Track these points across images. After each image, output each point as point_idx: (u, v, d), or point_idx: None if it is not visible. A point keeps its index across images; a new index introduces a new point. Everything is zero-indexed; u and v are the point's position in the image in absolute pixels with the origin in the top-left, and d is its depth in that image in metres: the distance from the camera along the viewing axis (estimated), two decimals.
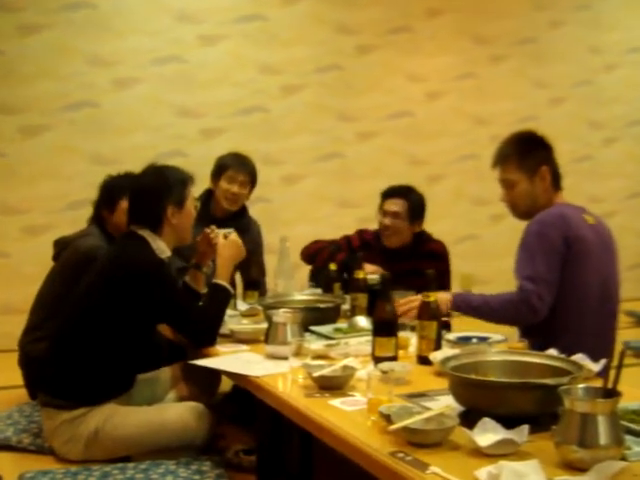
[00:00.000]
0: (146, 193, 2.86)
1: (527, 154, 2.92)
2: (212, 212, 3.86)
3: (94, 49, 5.51)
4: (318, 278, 3.74)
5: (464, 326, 3.03)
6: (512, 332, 2.85)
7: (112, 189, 3.41)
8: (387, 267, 3.40)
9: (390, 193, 3.78)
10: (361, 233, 3.93)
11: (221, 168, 3.86)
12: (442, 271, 3.63)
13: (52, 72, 5.41)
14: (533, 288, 2.69)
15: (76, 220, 3.46)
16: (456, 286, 6.42)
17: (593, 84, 6.98)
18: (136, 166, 3.14)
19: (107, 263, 2.80)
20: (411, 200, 3.74)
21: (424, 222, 3.82)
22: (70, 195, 5.27)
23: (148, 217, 2.83)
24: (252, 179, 3.89)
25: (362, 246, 3.83)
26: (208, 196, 3.89)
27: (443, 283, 3.54)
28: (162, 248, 2.81)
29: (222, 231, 3.04)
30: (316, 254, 3.83)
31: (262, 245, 4.03)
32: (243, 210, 3.97)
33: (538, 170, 2.88)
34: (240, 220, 3.86)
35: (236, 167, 3.83)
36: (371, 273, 3.40)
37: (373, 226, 3.86)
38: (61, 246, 3.42)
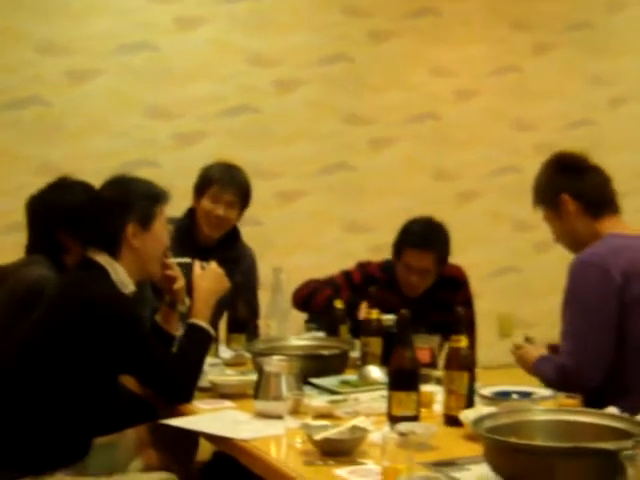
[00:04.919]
0: (102, 206, 2.91)
1: (544, 186, 3.10)
2: (195, 238, 3.86)
3: (42, 34, 5.56)
4: (319, 320, 3.76)
5: (499, 378, 3.04)
6: None
7: (77, 208, 3.38)
8: (404, 305, 3.44)
9: (414, 242, 3.75)
10: (363, 267, 3.96)
11: (205, 183, 3.87)
12: (464, 302, 3.69)
13: None
14: (574, 366, 2.84)
15: (19, 244, 3.46)
16: (491, 329, 6.51)
17: None
18: (94, 178, 3.17)
19: (56, 299, 2.82)
20: (438, 248, 3.76)
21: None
22: (11, 214, 5.28)
23: (103, 236, 2.86)
24: (243, 198, 3.89)
25: (365, 282, 3.85)
26: (191, 217, 3.90)
27: (470, 318, 3.60)
28: (124, 281, 2.83)
29: (181, 260, 3.09)
30: (309, 298, 3.86)
31: (256, 280, 4.04)
32: (235, 235, 3.98)
33: (558, 201, 3.03)
34: (231, 250, 3.87)
35: (222, 183, 3.84)
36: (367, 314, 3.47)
37: (387, 254, 3.90)
38: (0, 278, 3.42)
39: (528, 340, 3.18)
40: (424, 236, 3.76)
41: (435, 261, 3.75)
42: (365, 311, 3.58)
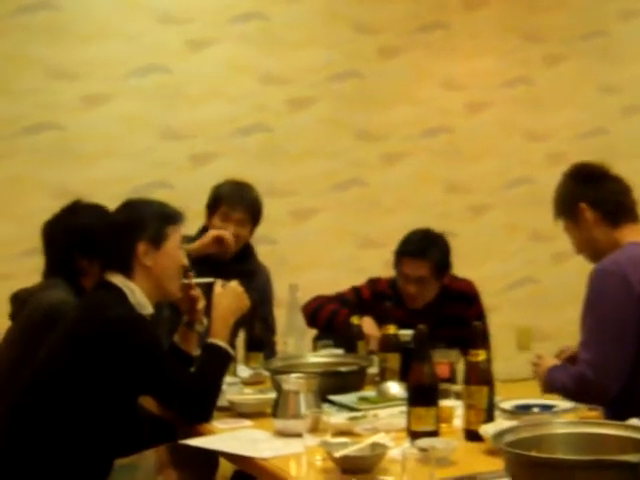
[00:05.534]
0: (114, 228, 2.94)
1: (563, 197, 3.12)
2: (209, 254, 3.88)
3: (54, 59, 5.59)
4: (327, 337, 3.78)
5: (519, 391, 3.03)
6: None
7: (90, 230, 3.41)
8: (411, 319, 3.44)
9: (407, 252, 3.81)
10: (373, 283, 3.99)
11: (215, 202, 3.91)
12: (477, 316, 3.70)
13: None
14: (592, 376, 2.83)
15: (37, 269, 3.49)
16: (509, 342, 6.49)
17: None
18: (110, 201, 3.18)
19: (74, 321, 2.84)
20: (434, 257, 3.78)
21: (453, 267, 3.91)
22: (28, 239, 5.29)
23: (117, 257, 2.88)
24: (253, 216, 3.92)
25: (374, 299, 3.87)
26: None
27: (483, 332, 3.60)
28: (142, 302, 2.85)
29: (203, 280, 3.10)
30: (315, 313, 3.87)
31: (271, 296, 4.06)
32: (249, 251, 3.99)
33: (576, 210, 3.03)
34: (245, 264, 3.89)
35: (231, 202, 3.87)
36: (369, 335, 3.53)
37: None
38: (21, 301, 3.44)
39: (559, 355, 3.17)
40: (420, 245, 3.79)
41: (432, 270, 3.76)
42: (367, 326, 3.60)
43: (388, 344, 3.28)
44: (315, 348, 3.73)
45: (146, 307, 2.86)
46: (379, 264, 5.31)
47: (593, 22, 6.78)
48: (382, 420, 2.68)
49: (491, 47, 6.58)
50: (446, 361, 3.11)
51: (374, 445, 2.32)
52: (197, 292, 3.10)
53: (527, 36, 6.64)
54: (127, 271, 2.86)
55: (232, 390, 3.16)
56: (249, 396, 3.10)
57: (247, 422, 2.86)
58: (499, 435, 2.05)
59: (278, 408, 2.69)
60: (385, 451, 2.29)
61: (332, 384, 3.02)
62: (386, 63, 6.32)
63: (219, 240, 3.75)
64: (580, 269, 3.30)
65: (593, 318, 2.90)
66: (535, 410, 2.67)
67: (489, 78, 6.58)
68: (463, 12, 6.49)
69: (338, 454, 2.26)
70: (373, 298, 3.89)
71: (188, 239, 3.35)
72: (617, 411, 2.65)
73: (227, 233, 3.76)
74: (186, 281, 3.06)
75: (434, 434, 2.46)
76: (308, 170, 6.11)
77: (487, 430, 2.39)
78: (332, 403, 2.96)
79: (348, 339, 3.57)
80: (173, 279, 2.96)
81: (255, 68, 6.00)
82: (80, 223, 3.36)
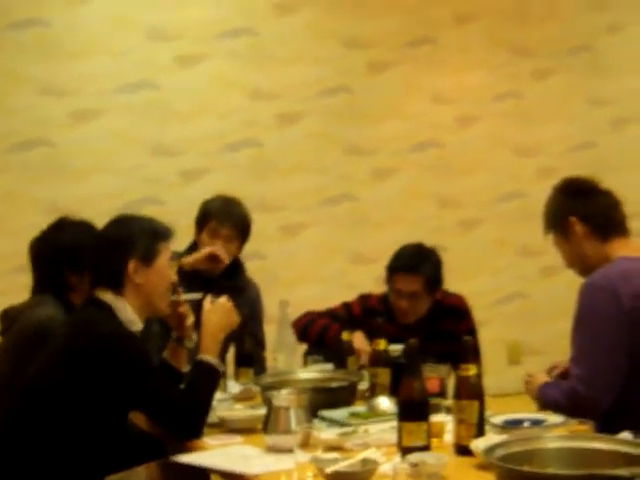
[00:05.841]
0: (104, 245, 2.94)
1: (553, 211, 3.12)
2: (198, 269, 3.87)
3: (44, 75, 5.59)
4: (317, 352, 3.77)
5: (510, 406, 3.03)
6: None
7: (77, 246, 3.41)
8: (402, 334, 3.44)
9: (399, 267, 3.81)
10: (364, 299, 3.99)
11: (203, 218, 3.91)
12: (468, 331, 3.70)
13: None
14: (584, 390, 2.82)
15: (28, 285, 3.49)
16: (500, 356, 6.50)
17: None
18: (100, 217, 3.18)
19: (64, 338, 2.84)
20: (427, 272, 3.78)
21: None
22: (19, 255, 5.28)
23: (107, 274, 2.88)
24: (242, 232, 3.92)
25: (365, 315, 3.87)
26: (194, 250, 3.92)
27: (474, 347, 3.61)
28: (131, 318, 2.85)
29: (192, 296, 3.10)
30: (305, 329, 3.87)
31: (261, 311, 4.05)
32: (238, 267, 3.99)
33: (566, 224, 3.04)
34: (234, 280, 3.89)
35: (220, 218, 3.87)
36: (359, 350, 3.52)
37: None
38: (10, 319, 3.44)
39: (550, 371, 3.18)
40: (412, 260, 3.79)
41: (424, 285, 3.77)
42: (358, 341, 3.60)
43: (378, 359, 3.28)
44: (305, 364, 3.73)
45: (136, 323, 2.86)
46: (370, 280, 5.31)
47: (581, 36, 6.81)
48: (373, 435, 2.67)
49: (480, 61, 6.60)
50: (436, 376, 3.11)
51: (365, 460, 2.32)
52: (186, 308, 3.09)
53: (516, 50, 6.66)
54: (117, 288, 2.86)
55: (222, 406, 3.16)
56: (239, 412, 3.09)
57: (238, 438, 2.85)
58: (490, 450, 2.05)
59: (269, 424, 2.69)
60: (376, 466, 2.29)
61: (322, 399, 3.02)
62: (375, 78, 6.33)
63: (213, 257, 3.76)
64: (570, 283, 3.31)
65: (583, 333, 2.90)
66: (526, 424, 2.67)
67: (478, 92, 6.60)
68: (452, 27, 6.51)
69: (329, 470, 2.26)
70: (364, 314, 3.89)
71: (177, 255, 3.34)
72: (608, 425, 2.66)
73: (222, 250, 3.76)
74: (175, 297, 3.06)
75: (425, 449, 2.45)
76: (298, 185, 6.12)
77: (478, 445, 2.39)
78: (323, 419, 2.95)
79: (338, 354, 3.56)
80: (163, 296, 2.96)
81: (245, 84, 6.01)
82: (68, 239, 3.38)
